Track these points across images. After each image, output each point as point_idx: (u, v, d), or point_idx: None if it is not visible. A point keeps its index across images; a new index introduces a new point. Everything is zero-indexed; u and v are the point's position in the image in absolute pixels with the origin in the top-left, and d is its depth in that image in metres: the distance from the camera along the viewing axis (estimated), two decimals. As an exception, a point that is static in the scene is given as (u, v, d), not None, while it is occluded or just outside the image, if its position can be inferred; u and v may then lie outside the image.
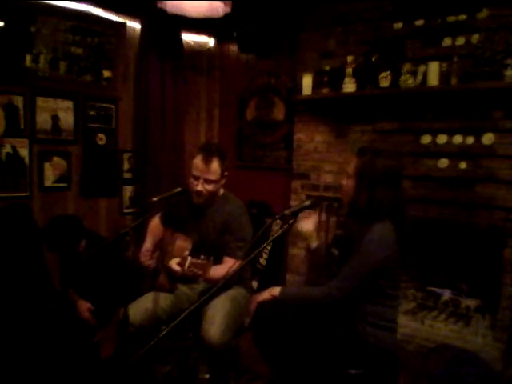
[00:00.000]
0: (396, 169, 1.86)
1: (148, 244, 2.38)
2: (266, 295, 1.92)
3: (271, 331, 1.83)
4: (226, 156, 2.28)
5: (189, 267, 1.89)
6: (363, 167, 1.80)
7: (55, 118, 3.29)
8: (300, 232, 2.09)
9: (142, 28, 3.67)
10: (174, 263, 2.08)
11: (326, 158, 3.42)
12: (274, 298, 1.90)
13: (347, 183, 1.87)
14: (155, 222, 2.48)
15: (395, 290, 1.86)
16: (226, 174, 2.28)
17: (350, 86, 3.00)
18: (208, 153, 2.21)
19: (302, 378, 1.81)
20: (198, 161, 2.21)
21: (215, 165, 2.20)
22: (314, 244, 2.07)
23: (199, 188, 2.20)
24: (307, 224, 2.05)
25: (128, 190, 3.79)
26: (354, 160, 1.86)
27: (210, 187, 2.21)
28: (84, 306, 2.52)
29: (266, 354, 1.90)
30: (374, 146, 1.99)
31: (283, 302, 1.89)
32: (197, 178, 2.21)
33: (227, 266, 2.11)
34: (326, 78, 3.16)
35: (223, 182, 2.29)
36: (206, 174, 2.19)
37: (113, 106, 3.63)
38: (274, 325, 1.82)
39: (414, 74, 2.78)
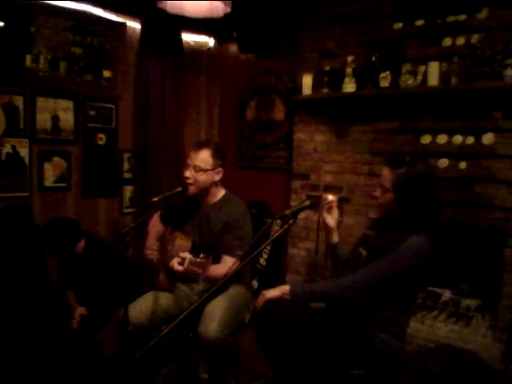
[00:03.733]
0: (433, 177, 1.83)
1: (151, 240, 2.39)
2: (275, 293, 1.89)
3: (275, 333, 1.82)
4: (221, 152, 2.29)
5: (189, 266, 1.89)
6: (402, 181, 1.75)
7: (55, 118, 3.29)
8: (325, 224, 2.10)
9: (141, 28, 3.67)
10: (175, 262, 2.09)
11: (325, 157, 3.42)
12: (283, 297, 1.87)
13: (384, 197, 1.82)
14: (156, 219, 2.48)
15: (413, 300, 1.86)
16: (219, 169, 2.26)
17: (349, 86, 3.00)
18: (201, 143, 2.31)
19: (303, 378, 1.81)
20: (191, 150, 2.28)
21: (205, 153, 2.23)
22: (336, 239, 2.10)
23: (187, 174, 2.22)
24: (332, 218, 2.07)
25: (128, 190, 3.78)
26: (388, 172, 1.80)
27: (197, 175, 2.21)
28: (76, 313, 2.50)
29: (268, 353, 1.89)
30: (406, 155, 1.86)
31: (293, 300, 1.86)
32: (187, 166, 2.25)
33: (227, 264, 2.11)
34: (326, 78, 3.16)
35: (217, 177, 2.27)
36: (195, 160, 2.22)
37: (113, 106, 3.63)
38: (279, 326, 1.81)
39: (414, 74, 2.77)
